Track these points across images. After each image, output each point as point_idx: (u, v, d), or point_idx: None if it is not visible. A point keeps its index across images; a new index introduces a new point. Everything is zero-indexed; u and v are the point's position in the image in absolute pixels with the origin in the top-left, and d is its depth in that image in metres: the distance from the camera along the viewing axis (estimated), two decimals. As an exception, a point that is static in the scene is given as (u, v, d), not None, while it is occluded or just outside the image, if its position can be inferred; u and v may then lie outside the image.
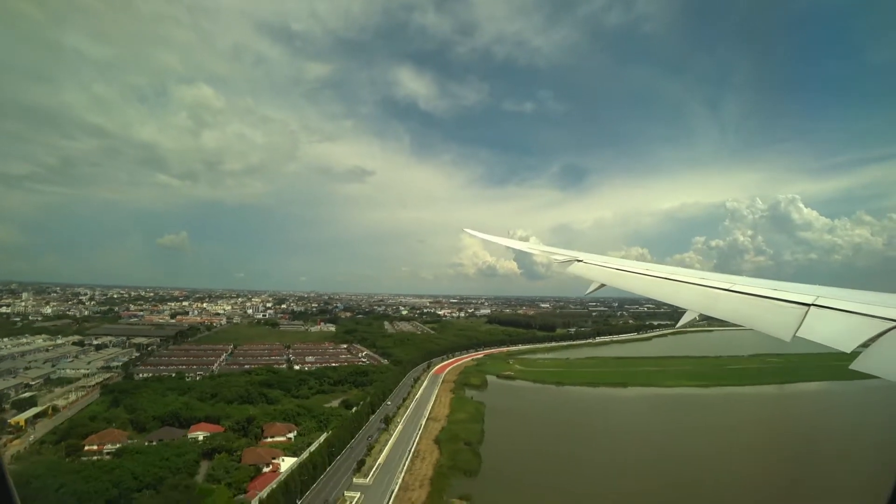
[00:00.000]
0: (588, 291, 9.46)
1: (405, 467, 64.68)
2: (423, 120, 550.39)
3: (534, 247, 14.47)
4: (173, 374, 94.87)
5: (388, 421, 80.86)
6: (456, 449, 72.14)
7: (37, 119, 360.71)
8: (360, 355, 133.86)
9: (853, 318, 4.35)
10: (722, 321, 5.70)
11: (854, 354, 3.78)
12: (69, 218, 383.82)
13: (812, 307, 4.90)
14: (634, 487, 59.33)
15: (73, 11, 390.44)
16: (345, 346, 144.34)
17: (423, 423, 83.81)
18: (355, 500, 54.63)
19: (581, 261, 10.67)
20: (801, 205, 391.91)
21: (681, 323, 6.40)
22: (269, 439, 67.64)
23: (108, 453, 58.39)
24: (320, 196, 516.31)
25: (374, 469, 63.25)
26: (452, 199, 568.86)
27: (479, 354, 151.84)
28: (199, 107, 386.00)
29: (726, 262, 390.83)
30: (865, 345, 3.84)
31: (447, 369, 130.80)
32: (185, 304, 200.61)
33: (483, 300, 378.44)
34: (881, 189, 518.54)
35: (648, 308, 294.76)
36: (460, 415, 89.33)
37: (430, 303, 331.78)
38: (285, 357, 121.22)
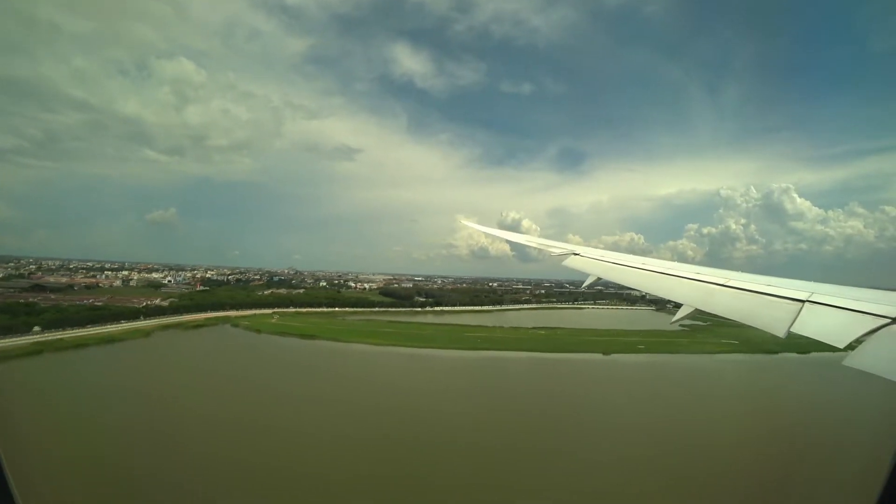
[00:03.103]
0: (585, 284, 10.14)
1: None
2: (421, 99, 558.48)
3: (531, 239, 14.74)
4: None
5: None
6: None
7: (16, 91, 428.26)
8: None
9: (846, 315, 4.41)
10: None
11: (846, 350, 3.81)
12: (58, 193, 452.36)
13: (806, 303, 4.94)
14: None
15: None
16: (167, 301, 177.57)
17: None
18: None
19: (578, 254, 10.99)
20: (795, 194, 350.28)
21: (676, 317, 6.57)
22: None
23: None
24: (313, 173, 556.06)
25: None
26: (448, 180, 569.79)
27: (271, 311, 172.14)
28: (180, 81, 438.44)
29: (718, 250, 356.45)
30: (858, 341, 3.89)
31: (205, 316, 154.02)
32: (125, 273, 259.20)
33: (450, 279, 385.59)
34: (877, 181, 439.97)
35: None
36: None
37: (385, 279, 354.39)
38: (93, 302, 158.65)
